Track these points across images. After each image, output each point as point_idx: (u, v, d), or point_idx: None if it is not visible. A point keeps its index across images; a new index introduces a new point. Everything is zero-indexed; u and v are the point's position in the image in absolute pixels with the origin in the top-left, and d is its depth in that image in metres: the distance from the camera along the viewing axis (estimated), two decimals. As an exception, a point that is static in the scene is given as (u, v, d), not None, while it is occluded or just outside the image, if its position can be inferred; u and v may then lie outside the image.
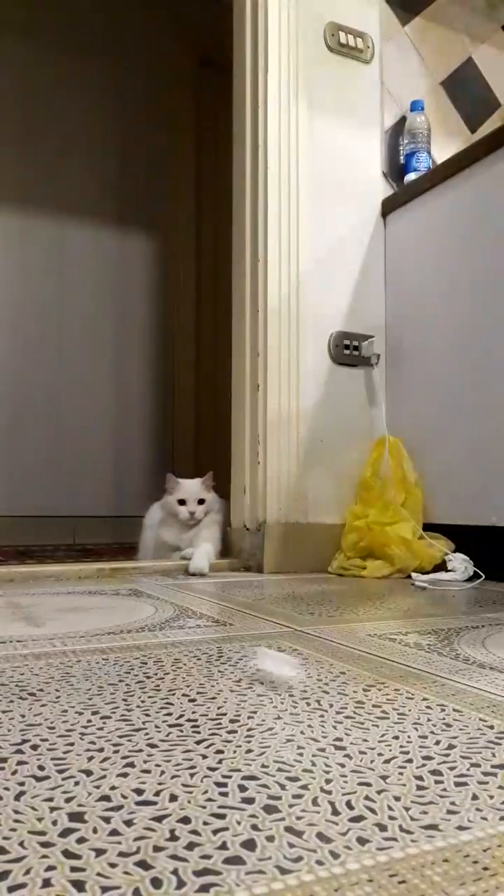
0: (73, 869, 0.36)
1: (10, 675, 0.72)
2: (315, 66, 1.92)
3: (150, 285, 3.12)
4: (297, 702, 0.65)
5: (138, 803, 0.44)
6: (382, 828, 0.41)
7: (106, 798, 0.44)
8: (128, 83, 3.08)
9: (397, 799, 0.45)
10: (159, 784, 0.46)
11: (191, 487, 1.85)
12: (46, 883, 0.35)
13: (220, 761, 0.50)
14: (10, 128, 2.87)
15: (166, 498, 1.88)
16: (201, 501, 1.84)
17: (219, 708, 0.62)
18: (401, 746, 0.54)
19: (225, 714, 0.61)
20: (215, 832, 0.40)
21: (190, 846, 0.38)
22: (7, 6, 2.87)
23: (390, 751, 0.53)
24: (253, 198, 1.87)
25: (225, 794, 0.45)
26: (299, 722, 0.59)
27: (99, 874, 0.35)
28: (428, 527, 1.75)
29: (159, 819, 0.41)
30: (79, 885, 0.34)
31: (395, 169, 2.05)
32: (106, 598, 1.29)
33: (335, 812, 0.43)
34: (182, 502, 1.83)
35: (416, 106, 2.04)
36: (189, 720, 0.59)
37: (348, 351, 1.92)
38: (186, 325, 3.15)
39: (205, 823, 0.41)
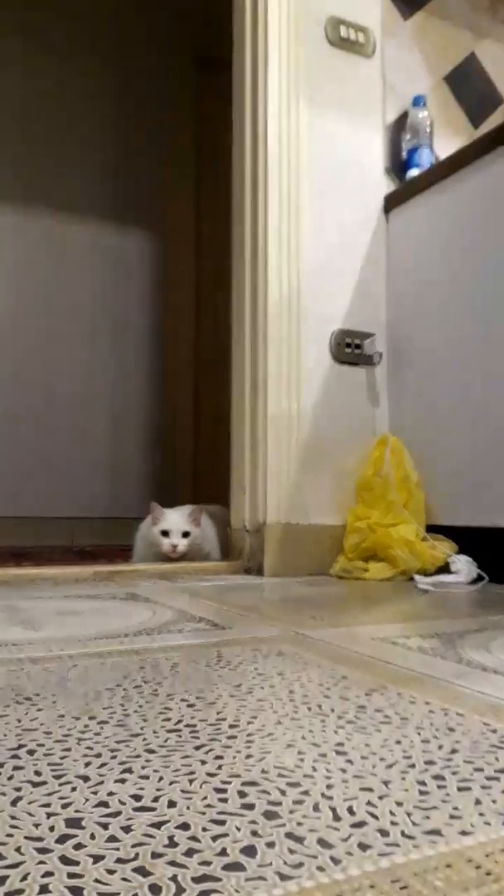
0: (71, 875, 0.35)
1: (6, 680, 0.72)
2: (316, 61, 1.91)
3: (149, 285, 3.11)
4: (298, 706, 0.64)
5: (136, 809, 0.43)
6: (384, 833, 0.40)
7: (104, 804, 0.44)
8: (127, 81, 3.08)
9: (399, 804, 0.44)
10: (158, 790, 0.46)
11: (176, 519, 1.79)
12: (44, 889, 0.34)
13: (219, 767, 0.50)
14: (9, 126, 2.87)
15: (150, 528, 1.81)
16: (186, 534, 1.78)
17: (218, 713, 0.62)
18: (403, 751, 0.53)
19: (224, 719, 0.60)
20: (214, 838, 0.39)
21: (189, 852, 0.38)
22: (5, 6, 2.86)
23: (392, 755, 0.52)
24: (253, 196, 1.86)
25: (224, 800, 0.44)
26: (300, 727, 0.58)
27: (97, 880, 0.35)
28: (431, 528, 1.74)
29: (158, 825, 0.41)
30: (76, 892, 0.34)
31: (398, 165, 2.05)
32: (103, 601, 1.29)
33: (336, 817, 0.42)
34: (165, 533, 1.77)
35: (418, 101, 2.03)
36: (188, 725, 0.59)
37: (350, 349, 1.91)
38: (186, 326, 3.15)
39: (204, 829, 0.40)
